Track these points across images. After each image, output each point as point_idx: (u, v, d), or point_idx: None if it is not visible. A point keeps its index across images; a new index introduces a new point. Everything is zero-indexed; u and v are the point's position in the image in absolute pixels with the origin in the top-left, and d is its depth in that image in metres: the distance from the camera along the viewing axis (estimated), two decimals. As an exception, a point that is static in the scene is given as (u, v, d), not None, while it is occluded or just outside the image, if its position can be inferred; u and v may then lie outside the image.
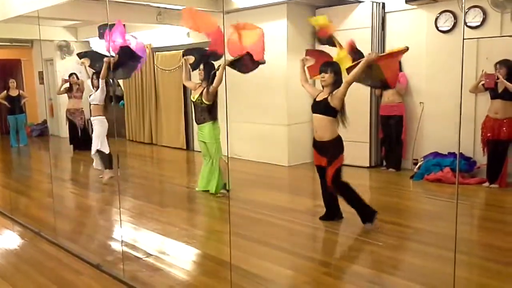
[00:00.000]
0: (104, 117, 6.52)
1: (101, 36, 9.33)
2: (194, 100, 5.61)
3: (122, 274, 3.41)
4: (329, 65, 4.35)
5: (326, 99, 4.28)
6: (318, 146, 4.41)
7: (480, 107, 5.86)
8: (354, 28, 6.84)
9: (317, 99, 4.38)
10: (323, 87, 4.38)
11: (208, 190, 5.69)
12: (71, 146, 9.08)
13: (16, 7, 4.73)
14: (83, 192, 6.63)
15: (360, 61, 4.31)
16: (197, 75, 5.67)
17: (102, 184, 6.51)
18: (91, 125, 6.88)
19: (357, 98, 6.92)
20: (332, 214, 4.55)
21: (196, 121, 5.74)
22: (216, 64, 5.58)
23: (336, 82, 4.30)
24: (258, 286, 3.29)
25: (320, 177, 4.53)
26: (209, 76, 5.45)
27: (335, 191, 4.40)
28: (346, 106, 4.35)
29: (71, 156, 8.93)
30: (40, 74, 11.92)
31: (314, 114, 4.39)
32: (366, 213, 4.31)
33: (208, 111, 5.50)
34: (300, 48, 7.12)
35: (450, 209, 4.80)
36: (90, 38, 10.55)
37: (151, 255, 3.86)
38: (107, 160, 6.52)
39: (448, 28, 6.15)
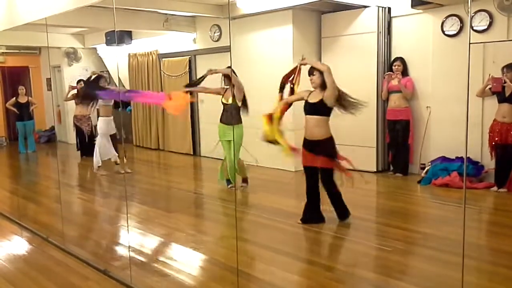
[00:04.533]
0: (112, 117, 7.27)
1: (108, 43, 9.41)
2: (227, 102, 5.95)
3: (129, 279, 3.41)
4: (314, 68, 4.52)
5: (322, 100, 4.41)
6: (314, 145, 4.48)
7: (488, 111, 5.84)
8: (360, 33, 6.86)
9: (309, 101, 4.50)
10: (314, 88, 4.54)
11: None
12: (79, 152, 9.13)
13: (24, 15, 4.78)
14: (91, 197, 6.66)
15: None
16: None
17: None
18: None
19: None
20: (310, 216, 4.63)
21: (225, 122, 6.01)
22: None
23: (325, 82, 4.44)
24: (265, 292, 3.28)
25: (310, 179, 4.60)
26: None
27: (330, 191, 4.55)
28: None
29: (79, 162, 8.97)
30: (48, 81, 12.03)
31: (309, 116, 4.51)
32: (345, 211, 4.64)
33: (238, 113, 5.94)
34: (305, 53, 7.13)
35: (458, 214, 4.78)
36: (97, 45, 10.63)
37: (158, 260, 3.87)
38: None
39: (455, 32, 6.13)
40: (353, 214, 4.93)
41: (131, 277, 3.44)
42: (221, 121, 6.06)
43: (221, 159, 6.43)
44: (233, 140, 5.95)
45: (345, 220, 4.64)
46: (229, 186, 6.17)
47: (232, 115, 5.95)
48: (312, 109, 4.48)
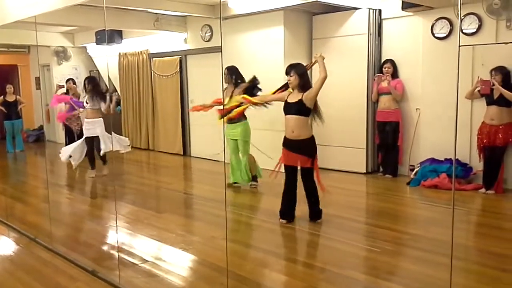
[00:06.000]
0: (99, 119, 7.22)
1: (98, 42, 9.35)
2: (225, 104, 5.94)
3: (117, 280, 3.39)
4: (292, 68, 4.52)
5: (301, 100, 4.42)
6: (295, 145, 4.51)
7: (476, 113, 5.89)
8: (350, 35, 6.88)
9: (289, 101, 4.52)
10: (292, 89, 4.57)
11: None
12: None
13: (13, 13, 4.73)
14: (79, 197, 6.60)
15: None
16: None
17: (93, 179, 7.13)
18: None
19: (354, 104, 6.97)
20: (288, 213, 4.66)
21: (228, 122, 6.01)
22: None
23: (304, 83, 4.49)
24: (254, 292, 3.28)
25: (290, 177, 4.59)
26: (232, 78, 5.92)
27: (309, 188, 4.58)
28: (320, 106, 4.60)
29: (68, 162, 8.89)
30: (37, 79, 11.92)
31: (288, 116, 4.51)
32: (319, 211, 4.65)
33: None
34: (296, 54, 7.18)
35: (447, 215, 4.80)
36: (87, 44, 10.56)
37: (147, 261, 3.85)
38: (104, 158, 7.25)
39: (444, 35, 6.18)
40: (343, 215, 4.96)
41: (119, 277, 3.41)
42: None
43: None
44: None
45: (316, 221, 4.65)
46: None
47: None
48: (292, 108, 4.50)
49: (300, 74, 4.48)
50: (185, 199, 6.18)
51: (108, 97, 7.19)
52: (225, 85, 6.05)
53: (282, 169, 4.68)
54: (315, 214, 4.66)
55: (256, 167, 6.18)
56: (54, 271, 3.71)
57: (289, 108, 4.52)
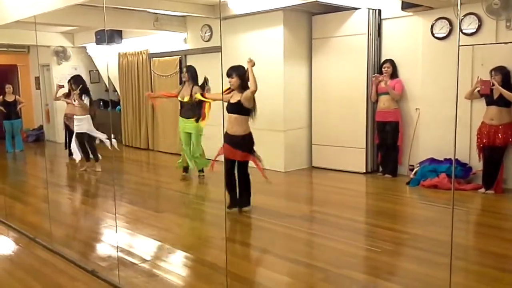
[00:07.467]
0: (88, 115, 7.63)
1: (98, 42, 9.34)
2: (182, 100, 6.58)
3: (117, 280, 3.39)
4: (233, 70, 4.94)
5: (239, 101, 4.85)
6: (233, 140, 4.89)
7: (476, 114, 5.89)
8: (350, 35, 6.89)
9: (231, 101, 4.94)
10: (234, 89, 4.96)
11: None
12: (67, 151, 9.05)
13: (13, 13, 4.72)
14: (79, 197, 6.60)
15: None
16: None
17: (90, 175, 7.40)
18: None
19: (353, 104, 6.97)
20: (236, 201, 5.09)
21: (183, 116, 6.69)
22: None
23: (244, 85, 4.89)
24: (254, 292, 3.28)
25: (229, 170, 5.02)
26: (193, 78, 6.52)
27: (242, 179, 5.02)
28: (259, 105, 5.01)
29: (67, 161, 8.90)
30: (37, 79, 11.92)
31: (230, 114, 4.92)
32: (248, 201, 5.11)
33: (193, 110, 6.49)
34: (296, 54, 7.19)
35: (446, 215, 4.80)
36: (87, 44, 10.55)
37: (146, 261, 3.85)
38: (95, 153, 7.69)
39: (444, 35, 6.18)
40: (342, 215, 4.96)
41: (119, 277, 3.41)
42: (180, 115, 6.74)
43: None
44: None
45: (243, 208, 5.06)
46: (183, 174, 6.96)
47: (190, 110, 6.54)
48: (233, 108, 4.88)
49: (240, 76, 4.89)
50: (185, 199, 6.18)
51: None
52: (183, 82, 6.72)
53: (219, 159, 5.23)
54: (243, 201, 5.07)
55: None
56: (53, 271, 3.71)
57: (230, 108, 4.92)
